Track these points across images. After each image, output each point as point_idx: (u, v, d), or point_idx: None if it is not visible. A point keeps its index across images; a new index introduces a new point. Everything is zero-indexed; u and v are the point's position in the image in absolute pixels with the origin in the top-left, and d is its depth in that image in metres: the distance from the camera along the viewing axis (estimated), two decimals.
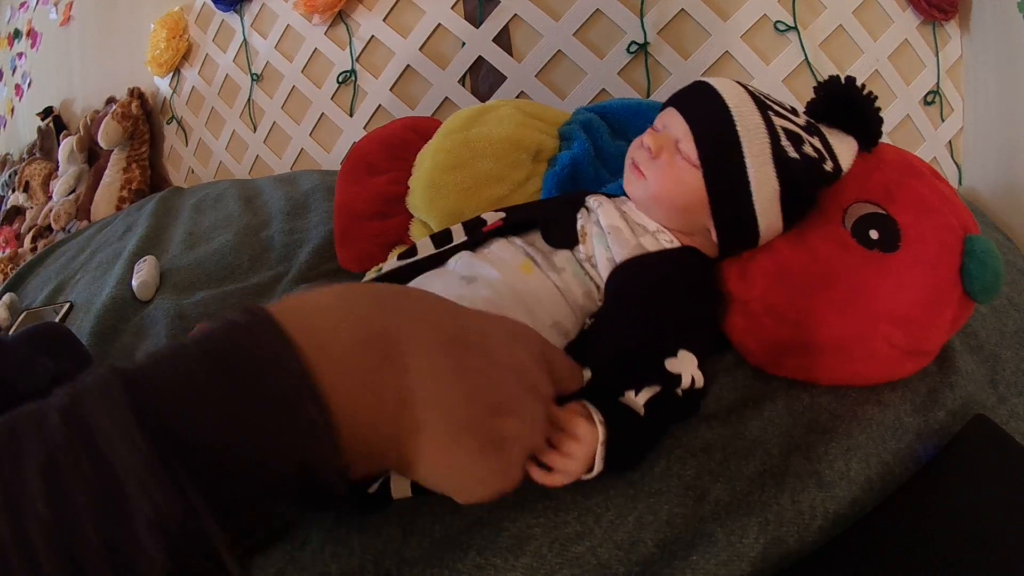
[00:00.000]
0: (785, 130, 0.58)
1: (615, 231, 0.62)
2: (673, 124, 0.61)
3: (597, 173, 0.81)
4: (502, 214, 0.68)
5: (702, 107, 0.60)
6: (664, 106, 0.64)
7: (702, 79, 0.62)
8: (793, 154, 0.58)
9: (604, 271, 0.60)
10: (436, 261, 0.65)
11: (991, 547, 0.47)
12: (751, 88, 0.61)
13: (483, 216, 0.68)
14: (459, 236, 0.67)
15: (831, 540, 0.49)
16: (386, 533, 0.49)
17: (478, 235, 0.65)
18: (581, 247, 0.62)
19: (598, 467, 0.49)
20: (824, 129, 0.61)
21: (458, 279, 0.60)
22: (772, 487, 0.51)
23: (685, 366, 0.54)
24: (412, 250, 0.67)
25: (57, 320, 0.98)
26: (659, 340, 0.55)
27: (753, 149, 0.57)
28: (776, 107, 0.60)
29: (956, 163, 1.21)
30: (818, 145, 0.59)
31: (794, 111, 0.61)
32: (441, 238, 0.67)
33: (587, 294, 0.60)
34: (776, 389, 0.61)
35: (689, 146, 0.59)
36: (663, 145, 0.61)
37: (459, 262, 0.63)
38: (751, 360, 0.63)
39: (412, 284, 0.62)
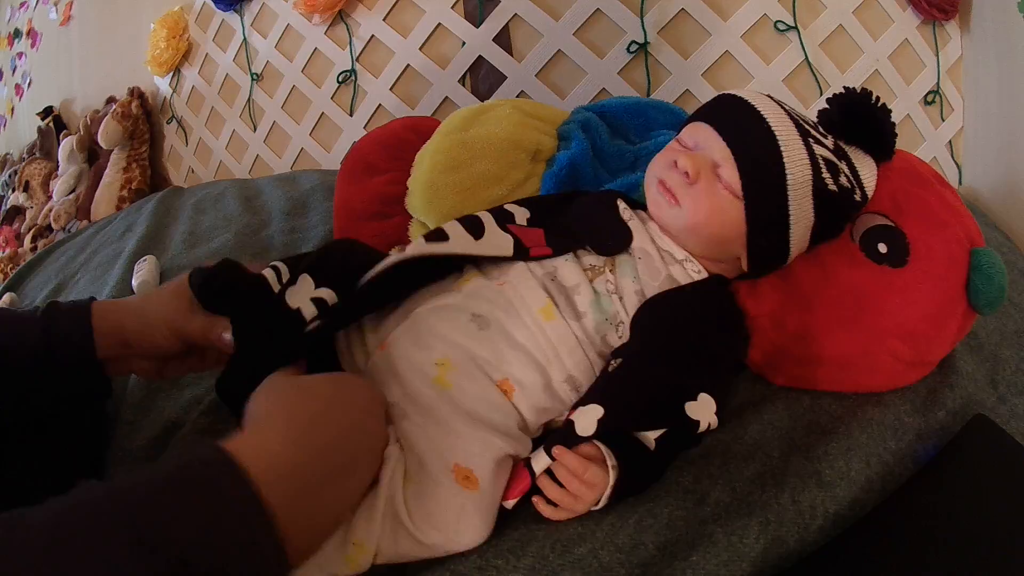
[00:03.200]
0: (825, 160, 0.55)
1: (645, 256, 0.58)
2: (709, 144, 0.56)
3: (596, 173, 0.81)
4: (525, 211, 0.63)
5: (744, 130, 0.55)
6: (692, 119, 0.60)
7: (735, 94, 0.58)
8: (832, 187, 0.55)
9: (631, 305, 0.56)
10: (444, 271, 0.59)
11: (991, 547, 0.47)
12: (787, 107, 0.57)
13: (508, 209, 0.62)
14: (495, 236, 0.58)
15: (831, 540, 0.49)
16: None
17: (525, 254, 0.58)
18: (608, 276, 0.57)
19: (604, 503, 0.49)
20: (847, 150, 0.58)
21: (468, 320, 0.54)
22: (772, 487, 0.51)
23: (703, 412, 0.51)
24: (440, 232, 0.58)
25: None
26: (685, 383, 0.52)
27: (797, 183, 0.54)
28: (813, 132, 0.56)
29: (956, 163, 1.21)
30: (848, 173, 0.57)
31: (818, 128, 0.58)
32: (473, 225, 0.58)
33: (604, 340, 0.56)
34: (776, 391, 0.61)
35: (732, 174, 0.55)
36: (700, 169, 0.55)
37: (471, 294, 0.56)
38: (752, 368, 0.63)
39: (418, 312, 0.56)
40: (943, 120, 1.21)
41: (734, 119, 0.56)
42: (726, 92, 0.59)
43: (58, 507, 0.30)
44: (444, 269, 0.59)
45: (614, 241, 0.58)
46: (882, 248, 0.57)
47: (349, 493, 0.43)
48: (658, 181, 0.59)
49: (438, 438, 0.49)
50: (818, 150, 0.55)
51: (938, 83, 1.19)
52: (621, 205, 0.62)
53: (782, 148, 0.54)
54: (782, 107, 0.57)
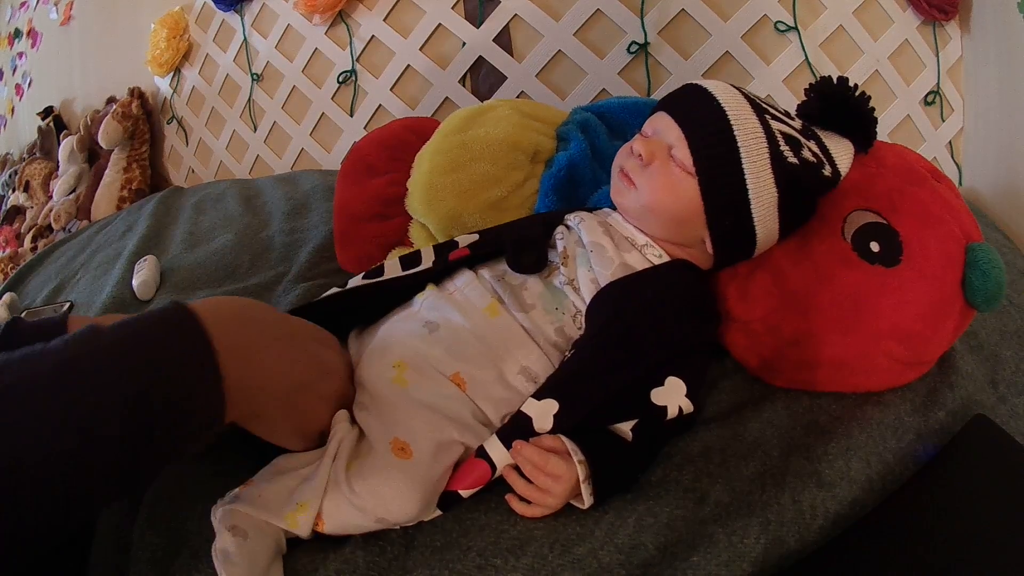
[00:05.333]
0: (783, 134, 0.56)
1: (597, 248, 0.59)
2: (665, 129, 0.58)
3: (594, 174, 0.81)
4: (475, 236, 0.66)
5: (696, 111, 0.57)
6: (654, 110, 0.61)
7: (692, 83, 0.60)
8: (792, 159, 0.55)
9: (588, 294, 0.57)
10: (404, 294, 0.62)
11: (991, 547, 0.47)
12: (746, 91, 0.58)
13: (456, 239, 0.67)
14: (428, 260, 0.64)
15: (831, 540, 0.49)
16: (389, 551, 0.50)
17: (443, 262, 0.62)
18: (563, 270, 0.59)
19: (588, 501, 0.50)
20: (819, 132, 0.59)
21: (421, 326, 0.57)
22: (772, 487, 0.51)
23: (671, 397, 0.52)
24: (380, 269, 0.65)
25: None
26: (644, 371, 0.53)
27: (751, 155, 0.55)
28: (772, 110, 0.57)
29: (956, 163, 1.21)
30: (816, 150, 0.57)
31: (788, 114, 0.59)
32: (410, 260, 0.65)
33: (560, 330, 0.56)
34: (775, 391, 0.61)
35: (683, 152, 0.56)
36: (654, 151, 0.57)
37: (425, 303, 0.59)
38: (749, 371, 0.63)
39: (381, 329, 0.60)
40: (943, 120, 1.21)
41: (687, 103, 0.58)
42: (687, 83, 0.61)
43: (66, 347, 0.40)
44: (410, 291, 0.63)
45: (527, 262, 0.59)
46: (874, 247, 0.56)
47: (286, 369, 0.49)
48: (618, 169, 0.61)
49: (387, 419, 0.52)
50: (775, 125, 0.56)
51: (938, 83, 1.18)
52: (567, 217, 0.64)
53: (732, 122, 0.55)
54: (739, 90, 0.58)
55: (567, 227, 0.63)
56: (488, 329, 0.56)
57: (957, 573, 0.45)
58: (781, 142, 0.55)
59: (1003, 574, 0.45)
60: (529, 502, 0.50)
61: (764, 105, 0.58)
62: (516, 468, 0.51)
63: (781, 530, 0.49)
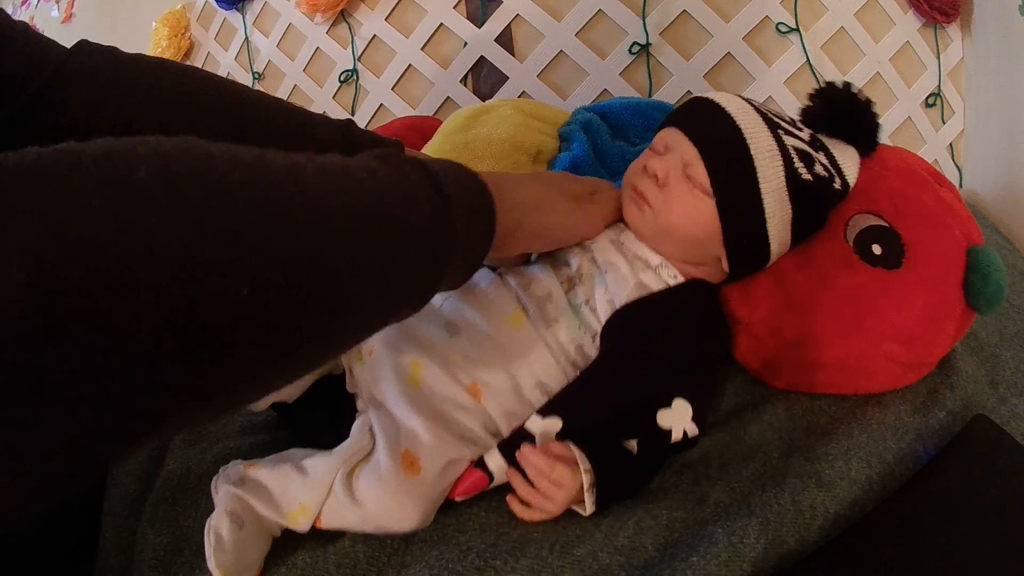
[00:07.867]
0: (796, 150, 0.55)
1: (612, 268, 0.57)
2: (678, 146, 0.56)
3: (597, 174, 0.81)
4: None
5: (710, 128, 0.55)
6: (663, 125, 0.60)
7: (704, 96, 0.58)
8: (806, 176, 0.54)
9: (604, 315, 0.56)
10: None
11: (991, 547, 0.47)
12: (756, 103, 0.57)
13: None
14: None
15: (832, 540, 0.49)
16: (389, 545, 0.50)
17: None
18: (579, 288, 0.57)
19: (590, 510, 0.50)
20: (827, 142, 0.58)
21: (441, 327, 0.55)
22: (772, 487, 0.51)
23: (677, 419, 0.52)
24: None
25: None
26: (653, 393, 0.52)
27: (768, 174, 0.54)
28: (783, 123, 0.56)
29: (957, 165, 1.21)
30: (826, 162, 0.56)
31: (797, 124, 0.58)
32: None
33: (579, 349, 0.55)
34: (775, 393, 0.61)
35: (700, 172, 0.55)
36: (669, 171, 0.56)
37: (445, 302, 0.58)
38: (750, 373, 0.63)
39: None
40: (944, 123, 1.21)
41: (700, 119, 0.57)
42: (695, 96, 0.60)
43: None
44: None
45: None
46: (876, 249, 0.56)
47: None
48: (631, 188, 0.59)
49: (400, 426, 0.51)
50: (789, 141, 0.55)
51: (939, 85, 1.19)
52: None
53: (748, 141, 0.54)
54: (750, 104, 0.57)
55: None
56: (509, 339, 0.55)
57: (957, 573, 0.45)
58: (795, 159, 0.55)
59: (1003, 574, 0.45)
60: (530, 505, 0.51)
61: (776, 119, 0.57)
62: (521, 471, 0.51)
63: (781, 530, 0.49)
